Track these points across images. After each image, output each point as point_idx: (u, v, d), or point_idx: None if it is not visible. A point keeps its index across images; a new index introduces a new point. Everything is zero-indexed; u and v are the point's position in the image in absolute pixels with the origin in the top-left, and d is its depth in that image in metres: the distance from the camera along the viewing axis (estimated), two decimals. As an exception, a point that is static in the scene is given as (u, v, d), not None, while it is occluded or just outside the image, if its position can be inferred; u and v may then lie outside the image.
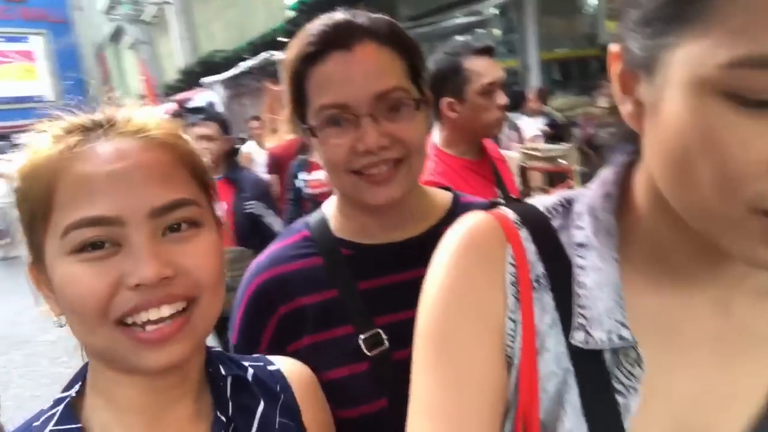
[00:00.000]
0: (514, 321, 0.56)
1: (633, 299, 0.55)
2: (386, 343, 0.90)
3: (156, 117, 0.68)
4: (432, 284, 0.61)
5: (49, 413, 0.65)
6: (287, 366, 0.82)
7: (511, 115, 5.85)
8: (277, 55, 8.59)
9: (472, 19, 9.88)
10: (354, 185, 0.90)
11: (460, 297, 0.58)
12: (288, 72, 0.92)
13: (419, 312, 0.61)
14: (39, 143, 0.63)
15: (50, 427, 0.63)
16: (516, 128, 6.04)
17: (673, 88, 0.44)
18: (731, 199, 0.43)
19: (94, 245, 0.58)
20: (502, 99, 1.93)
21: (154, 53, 23.08)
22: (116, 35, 27.76)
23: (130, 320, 0.59)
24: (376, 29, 0.89)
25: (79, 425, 0.64)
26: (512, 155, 3.68)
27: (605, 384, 0.52)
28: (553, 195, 0.64)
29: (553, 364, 0.54)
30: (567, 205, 0.61)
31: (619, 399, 0.52)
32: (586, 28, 11.75)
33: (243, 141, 9.91)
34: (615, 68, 0.52)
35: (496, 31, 10.61)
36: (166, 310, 0.60)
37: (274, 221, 3.14)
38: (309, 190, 3.64)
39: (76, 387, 0.68)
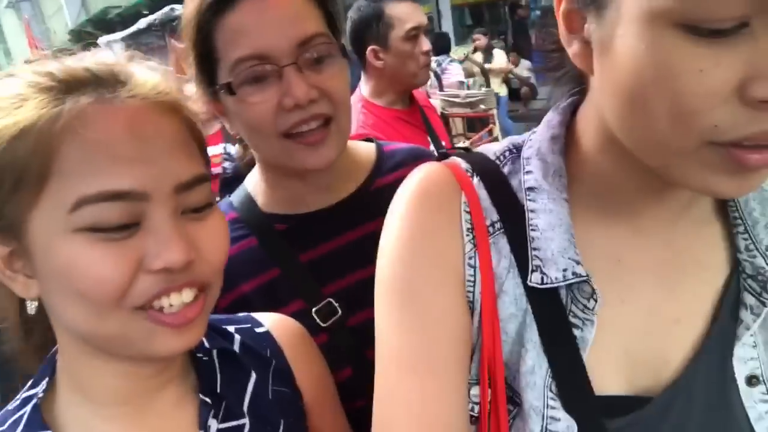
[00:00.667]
0: (473, 267, 0.56)
1: (582, 235, 0.56)
2: (339, 310, 0.86)
3: (159, 76, 0.59)
4: (389, 237, 0.60)
5: (16, 416, 0.58)
6: (275, 324, 0.76)
7: (435, 60, 5.84)
8: (178, 9, 8.07)
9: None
10: (285, 150, 0.83)
11: (418, 247, 0.58)
12: (190, 26, 0.81)
13: (378, 266, 0.61)
14: (19, 95, 0.52)
15: None
16: (437, 75, 6.02)
17: (626, 23, 0.44)
18: (686, 132, 0.43)
19: (113, 222, 0.51)
20: (425, 45, 1.91)
21: (39, 12, 21.05)
22: (-10, -7, 25.06)
23: (148, 304, 0.54)
24: None
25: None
26: (434, 103, 3.67)
27: (562, 320, 0.54)
28: (500, 142, 0.65)
29: (512, 306, 0.56)
30: (515, 151, 0.62)
31: (576, 333, 0.54)
32: (496, -29, 11.82)
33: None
34: (560, 8, 0.52)
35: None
36: (188, 294, 0.55)
37: None
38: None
39: (44, 384, 0.60)
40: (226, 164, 2.85)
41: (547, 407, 0.53)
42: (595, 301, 0.53)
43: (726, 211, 0.59)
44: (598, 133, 0.55)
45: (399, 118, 1.93)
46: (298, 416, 0.72)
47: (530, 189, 0.57)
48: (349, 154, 0.94)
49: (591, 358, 0.54)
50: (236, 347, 0.71)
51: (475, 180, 0.59)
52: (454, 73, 6.45)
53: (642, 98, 0.44)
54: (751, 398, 0.54)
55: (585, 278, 0.53)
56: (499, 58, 7.88)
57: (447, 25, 9.79)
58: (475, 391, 0.56)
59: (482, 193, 0.58)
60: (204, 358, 0.68)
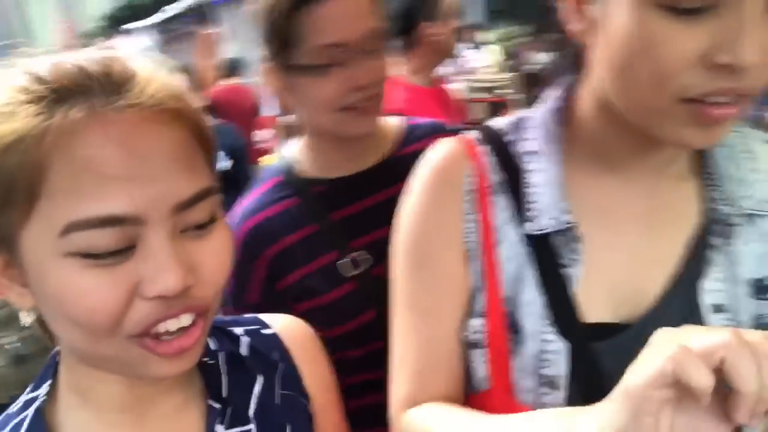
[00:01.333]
0: (472, 222, 0.68)
1: (577, 191, 0.67)
2: (370, 258, 0.99)
3: (164, 77, 0.54)
4: (406, 206, 0.73)
5: (17, 419, 0.57)
6: (284, 326, 0.75)
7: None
8: (206, -4, 8.13)
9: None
10: (339, 121, 0.96)
11: (427, 213, 0.71)
12: (270, 13, 0.93)
13: (396, 228, 0.75)
14: (7, 104, 0.48)
15: None
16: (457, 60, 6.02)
17: (619, 5, 0.55)
18: (662, 92, 0.54)
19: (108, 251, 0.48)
20: (454, 22, 2.08)
21: (68, -2, 21.36)
22: (21, -20, 25.50)
23: (145, 332, 0.51)
24: None
25: None
26: (458, 87, 3.71)
27: (555, 260, 0.65)
28: (512, 115, 0.76)
29: (511, 251, 0.66)
30: (519, 122, 0.73)
31: (566, 271, 0.64)
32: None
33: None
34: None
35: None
36: (186, 319, 0.52)
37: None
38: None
39: (46, 387, 0.59)
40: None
41: (542, 332, 0.64)
42: (580, 244, 0.64)
43: (700, 168, 0.68)
44: (594, 103, 0.65)
45: (431, 96, 2.07)
46: (305, 420, 0.71)
47: (529, 153, 0.68)
48: (379, 127, 1.06)
49: (581, 292, 0.64)
50: (243, 350, 0.70)
51: (482, 148, 0.71)
52: (471, 58, 6.47)
53: (630, 65, 0.55)
54: (716, 323, 0.63)
55: (572, 224, 0.64)
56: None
57: (476, 11, 9.68)
58: (479, 321, 0.68)
59: (488, 159, 0.70)
60: (210, 362, 0.66)
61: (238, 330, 0.72)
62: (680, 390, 0.45)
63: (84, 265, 0.46)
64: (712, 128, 0.55)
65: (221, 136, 2.77)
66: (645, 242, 0.66)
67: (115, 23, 15.32)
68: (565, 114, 0.69)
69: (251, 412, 0.65)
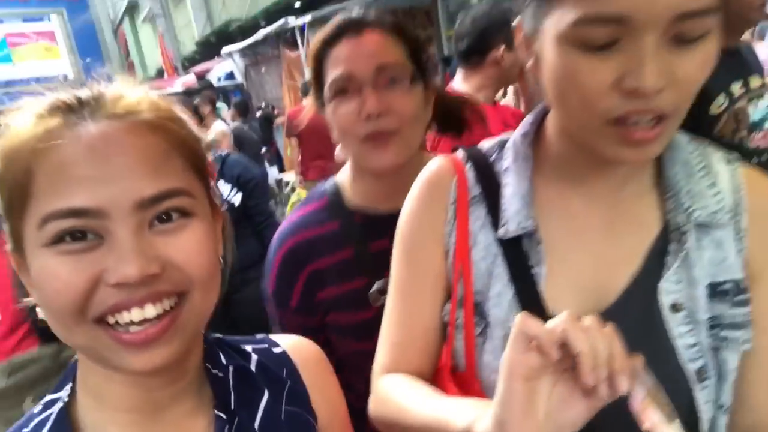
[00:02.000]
0: (450, 227, 0.79)
1: (545, 203, 0.76)
2: None
3: (149, 96, 0.61)
4: (403, 210, 0.86)
5: (40, 417, 0.61)
6: (293, 346, 0.79)
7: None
8: (291, 21, 8.56)
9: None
10: (360, 150, 1.06)
11: (418, 216, 0.84)
12: (311, 56, 1.10)
13: (396, 230, 0.87)
14: (19, 123, 0.56)
15: None
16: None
17: (548, 43, 0.64)
18: (591, 115, 0.62)
19: (73, 236, 0.53)
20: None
21: (171, 25, 23.08)
22: (131, 9, 27.77)
23: (111, 320, 0.54)
24: (383, 21, 1.07)
25: None
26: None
27: (523, 260, 0.74)
28: (493, 138, 0.86)
29: (484, 251, 0.77)
30: (502, 144, 0.83)
31: (534, 270, 0.73)
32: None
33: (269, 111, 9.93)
34: (518, 35, 0.73)
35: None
36: (150, 310, 0.55)
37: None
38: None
39: (67, 388, 0.63)
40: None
41: (509, 320, 0.72)
42: (541, 245, 0.73)
43: (659, 183, 0.75)
44: (557, 127, 0.75)
45: (493, 114, 2.13)
46: None
47: (505, 170, 0.79)
48: (420, 166, 1.04)
49: (548, 289, 0.73)
50: (252, 366, 0.73)
51: (468, 165, 0.82)
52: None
53: (562, 94, 0.65)
54: (674, 321, 0.70)
55: (531, 228, 0.73)
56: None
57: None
58: (450, 307, 0.80)
59: (471, 175, 0.81)
60: (219, 375, 0.69)
61: (248, 347, 0.76)
62: (554, 366, 0.55)
63: (55, 251, 0.52)
64: (640, 147, 0.63)
65: (228, 167, 2.66)
66: (607, 246, 0.74)
67: (209, 48, 16.37)
68: (535, 136, 0.79)
69: (257, 425, 0.68)
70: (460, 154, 0.85)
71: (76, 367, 0.64)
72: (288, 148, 7.35)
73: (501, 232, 0.75)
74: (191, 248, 0.57)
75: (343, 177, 1.20)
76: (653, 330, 0.70)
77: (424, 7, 9.78)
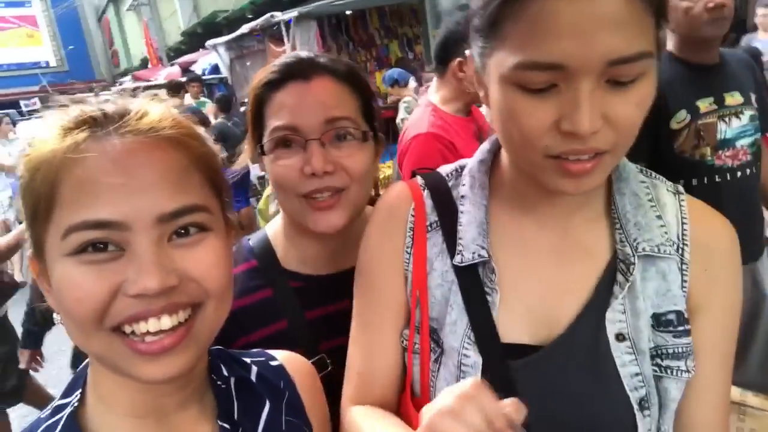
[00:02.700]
0: (409, 254, 0.80)
1: (499, 229, 0.77)
2: (330, 366, 0.97)
3: (171, 113, 0.63)
4: (363, 240, 0.86)
5: (49, 422, 0.62)
6: (289, 360, 0.82)
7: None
8: (278, 15, 8.51)
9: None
10: (301, 208, 0.96)
11: (377, 244, 0.84)
12: (250, 97, 1.00)
13: (358, 258, 0.86)
14: (45, 134, 0.58)
15: None
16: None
17: (492, 81, 0.66)
18: (532, 150, 0.65)
19: (95, 246, 0.55)
20: None
21: (156, 15, 22.78)
22: (116, -3, 27.36)
23: (128, 329, 0.56)
24: (335, 67, 0.98)
25: None
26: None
27: (478, 288, 0.75)
28: (453, 163, 0.87)
29: (440, 279, 0.78)
30: (460, 170, 0.84)
31: (488, 297, 0.74)
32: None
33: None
34: (470, 67, 0.74)
35: None
36: (167, 322, 0.57)
37: None
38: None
39: (77, 394, 0.64)
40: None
41: (463, 348, 0.74)
42: (495, 274, 0.74)
43: (610, 212, 0.77)
44: (508, 155, 0.77)
45: (459, 125, 2.14)
46: None
47: (462, 197, 0.80)
48: (364, 224, 0.97)
49: (501, 316, 0.75)
50: (253, 377, 0.75)
51: (426, 192, 0.83)
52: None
53: (506, 129, 0.67)
54: (618, 350, 0.72)
55: (487, 259, 0.74)
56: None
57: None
58: (409, 333, 0.81)
59: (428, 202, 0.82)
60: (222, 386, 0.71)
61: (248, 359, 0.78)
62: None
63: (78, 261, 0.55)
64: (577, 179, 0.65)
65: None
66: (559, 274, 0.76)
67: (196, 39, 16.20)
68: (491, 165, 0.81)
69: None
70: (419, 180, 0.86)
71: (86, 373, 0.66)
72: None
73: (457, 259, 0.76)
74: (208, 262, 0.59)
75: (275, 233, 1.09)
76: (600, 358, 0.72)
77: (411, 6, 9.77)
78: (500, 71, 0.64)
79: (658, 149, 1.78)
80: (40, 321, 2.54)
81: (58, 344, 3.44)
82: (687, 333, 0.73)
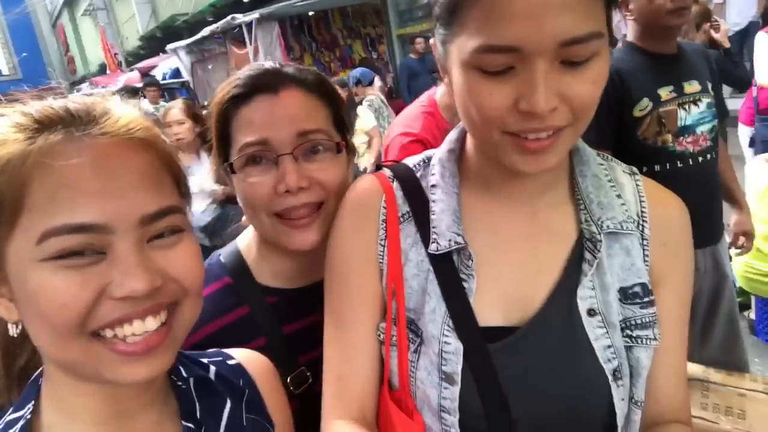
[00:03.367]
0: (383, 246, 0.80)
1: (471, 216, 0.78)
2: (310, 378, 0.95)
3: (136, 114, 0.62)
4: (332, 233, 0.85)
5: None
6: (246, 358, 0.81)
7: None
8: (239, 17, 8.42)
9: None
10: (274, 227, 0.93)
11: (348, 238, 0.82)
12: (214, 112, 0.95)
13: (326, 255, 0.84)
14: (5, 133, 0.55)
15: None
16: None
17: (454, 66, 0.68)
18: (491, 128, 0.67)
19: (76, 251, 0.53)
20: None
21: (113, 19, 22.27)
22: (70, 1, 26.64)
23: (109, 333, 0.55)
24: (303, 78, 0.94)
25: None
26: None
27: (454, 275, 0.75)
28: (419, 155, 0.88)
29: (415, 269, 0.78)
30: (427, 160, 0.85)
31: (464, 284, 0.75)
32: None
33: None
34: (436, 55, 0.76)
35: None
36: (151, 323, 0.57)
37: None
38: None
39: (29, 406, 0.61)
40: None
41: (443, 335, 0.75)
42: (472, 260, 0.75)
43: (575, 195, 0.80)
44: (476, 144, 0.78)
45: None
46: None
47: (433, 186, 0.80)
48: None
49: (477, 301, 0.75)
50: (212, 376, 0.74)
51: (395, 184, 0.83)
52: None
53: (466, 111, 0.69)
54: (590, 325, 0.74)
55: (463, 245, 0.75)
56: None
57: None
58: (386, 325, 0.80)
59: (398, 193, 0.82)
60: (182, 386, 0.70)
61: (205, 360, 0.77)
62: None
63: (56, 266, 0.52)
64: (536, 157, 0.67)
65: None
66: (529, 256, 0.78)
67: (155, 43, 15.90)
68: (459, 153, 0.82)
69: (221, 431, 0.70)
70: (387, 172, 0.85)
71: (38, 385, 0.63)
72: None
73: (432, 247, 0.76)
74: (186, 261, 0.60)
75: (247, 246, 1.05)
76: (574, 335, 0.74)
77: (374, 6, 9.80)
78: (461, 56, 0.66)
79: (622, 137, 1.83)
80: None
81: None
82: (652, 303, 0.77)
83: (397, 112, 6.43)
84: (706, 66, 1.97)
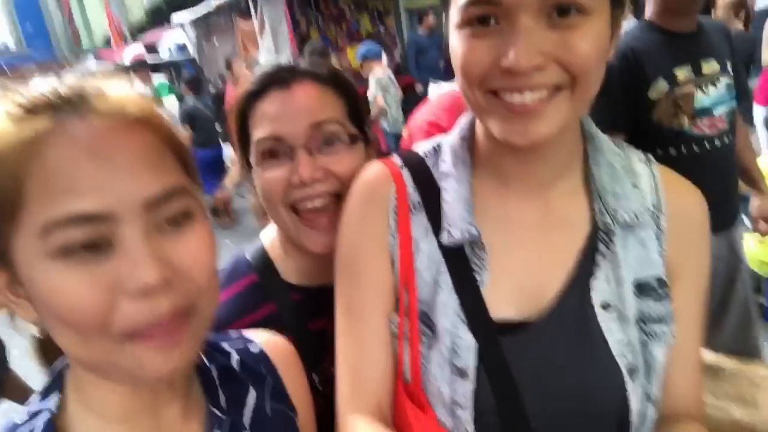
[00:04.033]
0: (393, 236, 0.77)
1: (483, 205, 0.76)
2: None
3: (130, 92, 0.58)
4: (342, 222, 0.82)
5: (24, 427, 0.58)
6: (267, 343, 0.79)
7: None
8: (245, -10, 8.29)
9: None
10: (293, 224, 0.93)
11: (358, 228, 0.80)
12: (234, 111, 0.96)
13: (337, 244, 0.83)
14: None
15: None
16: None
17: (450, 34, 0.68)
18: (473, 88, 0.66)
19: (85, 246, 0.50)
20: None
21: (117, -8, 21.95)
22: (75, -26, 26.30)
23: (137, 333, 0.53)
24: (316, 71, 0.94)
25: None
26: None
27: (466, 267, 0.74)
28: (428, 141, 0.85)
29: (427, 260, 0.76)
30: (437, 148, 0.83)
31: (476, 276, 0.73)
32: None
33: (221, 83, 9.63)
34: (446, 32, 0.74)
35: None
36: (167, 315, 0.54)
37: None
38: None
39: (55, 398, 0.60)
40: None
41: (456, 329, 0.73)
42: (485, 252, 0.73)
43: (589, 185, 0.77)
44: (486, 130, 0.75)
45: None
46: None
47: (444, 174, 0.78)
48: None
49: (490, 293, 0.73)
50: (234, 364, 0.73)
51: (405, 171, 0.80)
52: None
53: (456, 74, 0.67)
54: (604, 318, 0.72)
55: (476, 236, 0.72)
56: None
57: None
58: (399, 319, 0.78)
59: (409, 182, 0.79)
60: (207, 376, 0.70)
61: (227, 345, 0.76)
62: None
63: (66, 264, 0.50)
64: (524, 124, 0.65)
65: None
66: (543, 248, 0.75)
67: (158, 16, 15.71)
68: (471, 141, 0.79)
69: (246, 422, 0.69)
70: (396, 159, 0.83)
71: (63, 378, 0.61)
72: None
73: (444, 238, 0.74)
74: (198, 251, 0.56)
75: (271, 243, 1.05)
76: (588, 328, 0.72)
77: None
78: (454, 20, 0.66)
79: (637, 120, 1.78)
80: None
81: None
82: (668, 297, 0.75)
83: (404, 89, 6.35)
84: (726, 44, 1.91)
